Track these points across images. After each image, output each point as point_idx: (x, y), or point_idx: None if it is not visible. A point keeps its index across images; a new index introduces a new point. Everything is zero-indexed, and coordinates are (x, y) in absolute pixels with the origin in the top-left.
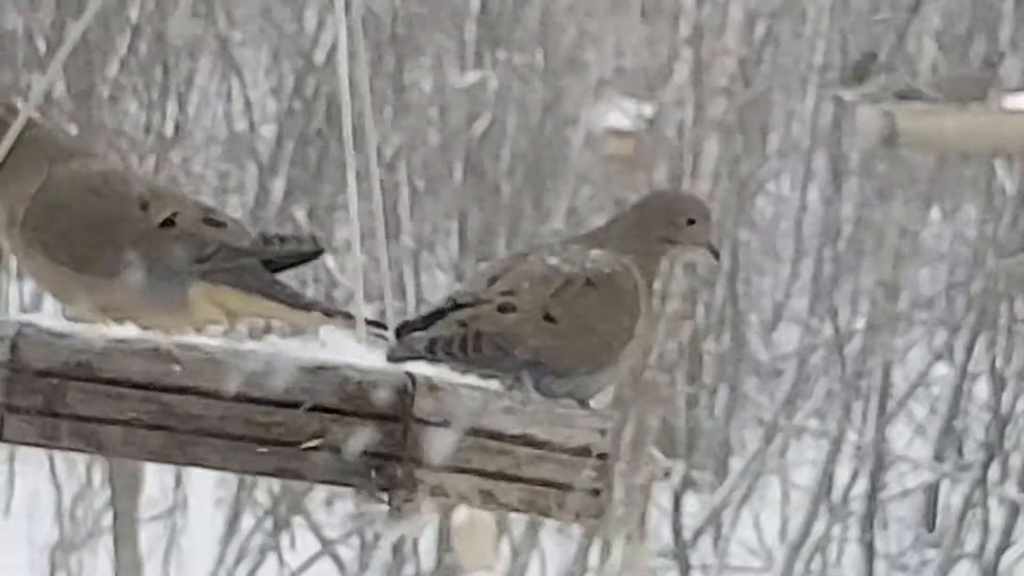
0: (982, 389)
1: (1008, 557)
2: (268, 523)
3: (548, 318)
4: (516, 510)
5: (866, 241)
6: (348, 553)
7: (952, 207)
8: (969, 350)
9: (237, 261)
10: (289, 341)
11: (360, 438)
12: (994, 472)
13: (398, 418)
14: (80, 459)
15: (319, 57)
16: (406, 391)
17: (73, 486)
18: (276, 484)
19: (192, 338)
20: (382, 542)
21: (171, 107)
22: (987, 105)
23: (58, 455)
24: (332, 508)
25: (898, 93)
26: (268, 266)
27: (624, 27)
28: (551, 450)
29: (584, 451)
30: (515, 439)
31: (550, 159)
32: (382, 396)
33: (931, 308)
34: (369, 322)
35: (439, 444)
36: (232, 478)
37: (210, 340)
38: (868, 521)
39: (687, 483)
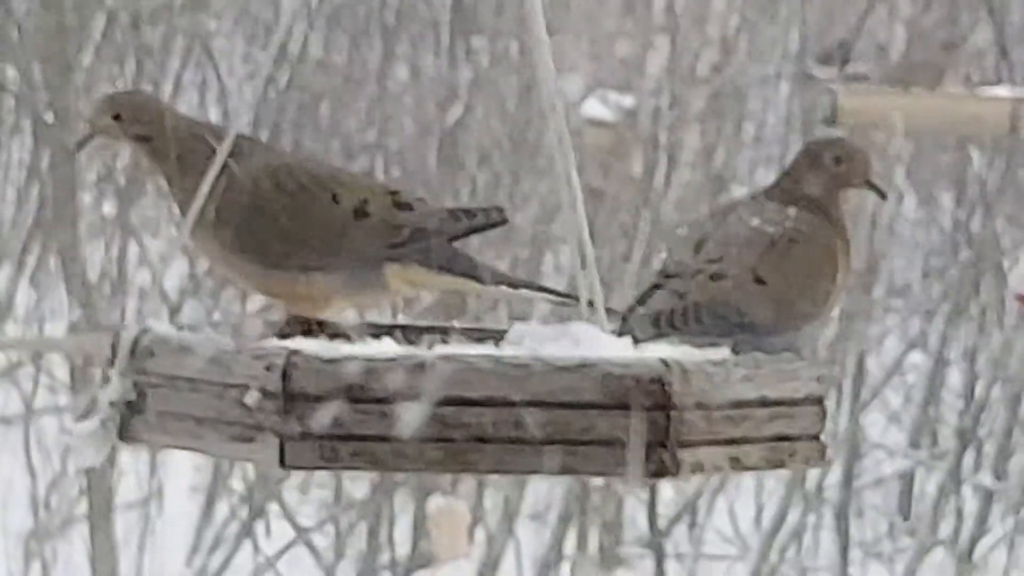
0: (957, 377)
1: (983, 545)
2: (243, 511)
3: (758, 280)
4: (757, 468)
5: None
6: (323, 541)
7: (927, 195)
8: (944, 338)
9: (428, 242)
10: (544, 341)
11: (626, 429)
12: (969, 460)
13: (661, 406)
14: (56, 448)
15: (293, 47)
16: (664, 379)
17: (47, 474)
18: (251, 471)
19: (452, 349)
20: (357, 529)
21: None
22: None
23: (34, 443)
24: (307, 496)
25: (855, 76)
26: (452, 239)
27: (601, 15)
28: (782, 405)
29: (807, 400)
30: (753, 403)
31: (525, 149)
32: (643, 387)
33: (906, 296)
34: (556, 292)
35: (697, 423)
36: (207, 465)
37: (471, 349)
38: (843, 509)
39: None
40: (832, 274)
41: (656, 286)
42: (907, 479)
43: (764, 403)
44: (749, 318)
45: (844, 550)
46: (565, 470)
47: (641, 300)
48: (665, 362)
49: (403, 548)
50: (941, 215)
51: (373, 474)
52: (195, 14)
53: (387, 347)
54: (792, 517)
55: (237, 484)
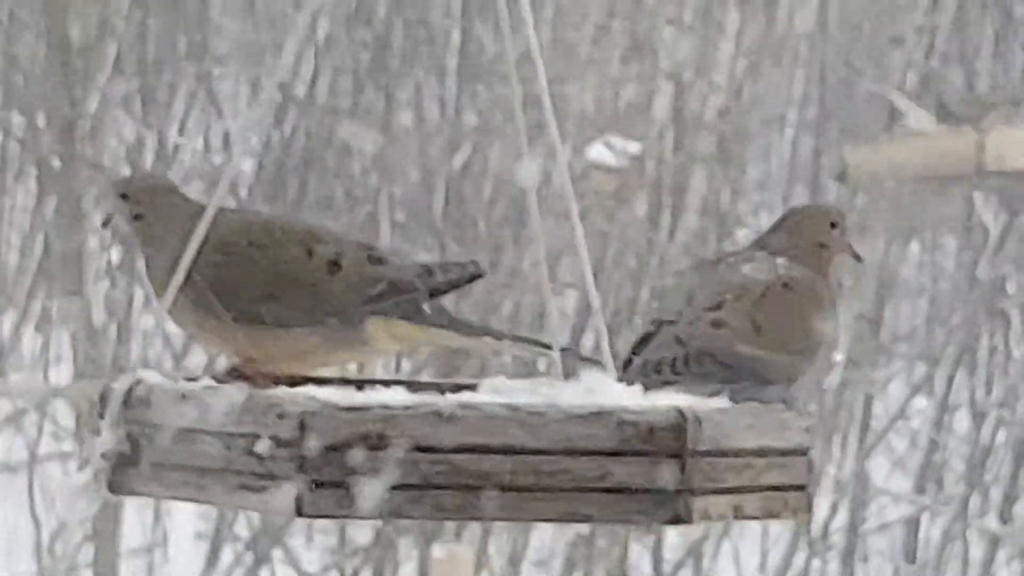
0: (962, 422)
1: None
2: (248, 557)
3: (756, 328)
4: (755, 518)
5: (845, 274)
6: None
7: (932, 241)
8: (949, 383)
9: (405, 295)
10: (557, 389)
11: (641, 477)
12: (974, 505)
13: (677, 454)
14: (60, 495)
15: (299, 90)
16: (680, 427)
17: (52, 521)
18: (256, 518)
19: (469, 396)
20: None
21: (150, 140)
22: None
23: (38, 490)
24: (312, 543)
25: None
26: (431, 294)
27: (606, 62)
28: (776, 455)
29: (797, 450)
30: (754, 452)
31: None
32: (658, 435)
33: (911, 341)
34: (536, 343)
35: (706, 471)
36: (212, 512)
37: (484, 396)
38: (848, 554)
39: None
40: (821, 324)
41: (650, 334)
42: (913, 524)
43: (763, 452)
44: (749, 366)
45: None
46: (582, 518)
47: (636, 349)
48: (680, 410)
49: None
50: (946, 259)
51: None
52: (200, 59)
53: (400, 395)
54: (797, 562)
55: (242, 531)
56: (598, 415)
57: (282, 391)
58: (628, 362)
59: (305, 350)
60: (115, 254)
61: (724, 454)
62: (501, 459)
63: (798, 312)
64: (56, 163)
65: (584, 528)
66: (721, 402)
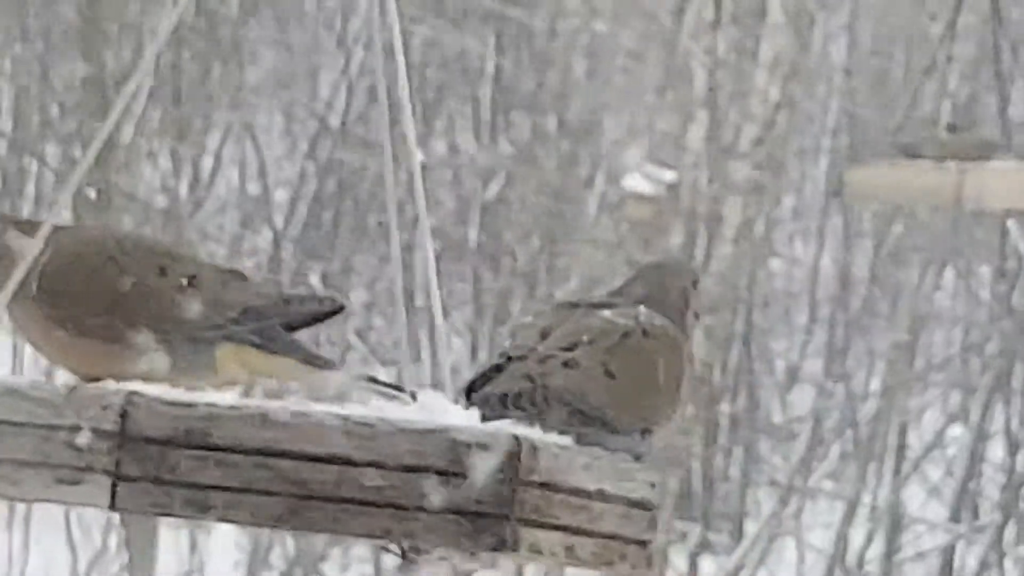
0: (997, 450)
1: None
2: None
3: (608, 373)
4: (588, 565)
5: (881, 303)
6: None
7: (966, 269)
8: (984, 412)
9: (260, 323)
10: (390, 404)
11: (468, 499)
12: (1010, 533)
13: (507, 480)
14: (96, 524)
15: (333, 121)
16: (514, 452)
17: (89, 550)
18: (292, 548)
19: (300, 404)
20: None
21: (186, 171)
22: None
23: (75, 520)
24: (347, 573)
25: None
26: (287, 327)
27: (641, 91)
28: (617, 503)
29: (640, 504)
30: (591, 494)
31: (565, 223)
32: (490, 458)
33: (946, 370)
34: (389, 385)
35: (538, 503)
36: (247, 541)
37: (317, 405)
38: None
39: (703, 545)
40: (679, 379)
41: (497, 367)
42: (948, 553)
43: (602, 497)
44: (597, 412)
45: None
46: (406, 535)
47: (479, 381)
48: (516, 436)
49: None
50: (981, 288)
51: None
52: (234, 90)
53: (231, 396)
54: None
55: (277, 560)
56: (430, 432)
57: (108, 384)
58: (470, 391)
59: (148, 371)
60: None
61: (559, 489)
62: (324, 468)
63: (655, 362)
64: (92, 194)
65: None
66: (562, 439)
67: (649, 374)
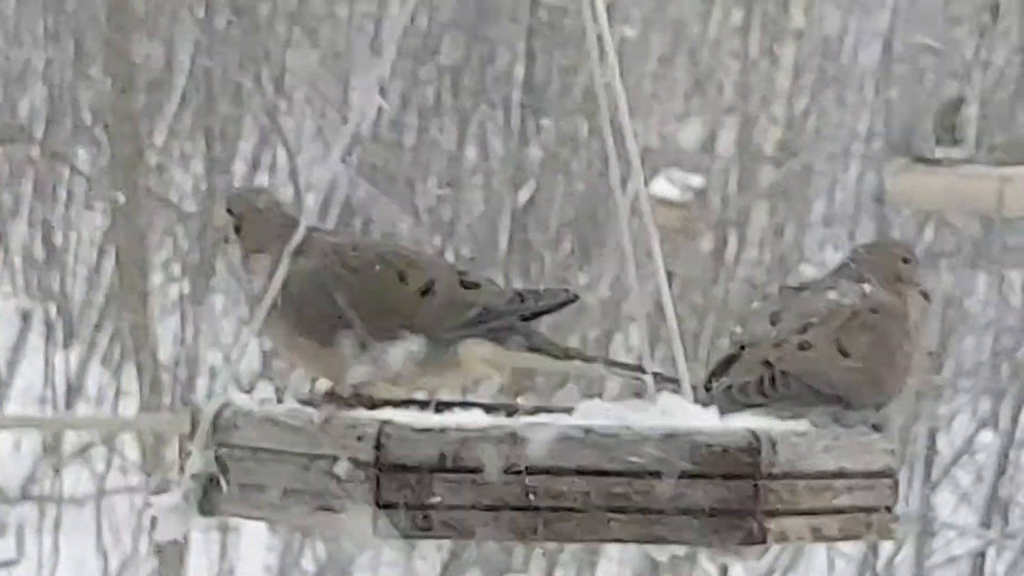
0: None
1: None
2: None
3: (842, 352)
4: (835, 539)
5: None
6: None
7: (998, 274)
8: (1015, 418)
9: (498, 321)
10: (631, 411)
11: (714, 499)
12: None
13: (750, 476)
14: (126, 527)
15: (364, 126)
16: (753, 449)
17: (119, 554)
18: (322, 550)
19: (542, 418)
20: None
21: (217, 176)
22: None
23: (105, 523)
24: (377, 575)
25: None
26: (524, 319)
27: (670, 96)
28: (858, 478)
29: (881, 473)
30: (832, 474)
31: (595, 228)
32: (732, 457)
33: (976, 375)
34: (628, 366)
35: (781, 493)
36: (279, 545)
37: (559, 418)
38: None
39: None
40: (910, 351)
41: (733, 357)
42: (979, 558)
43: (842, 475)
44: (836, 390)
45: None
46: (655, 539)
47: (717, 371)
48: (754, 432)
49: None
50: (1012, 293)
51: (444, 553)
52: (266, 94)
53: (477, 417)
54: None
55: (308, 564)
56: (671, 437)
57: (361, 413)
58: (708, 384)
59: (398, 373)
60: (182, 288)
61: (800, 476)
62: (573, 480)
63: (885, 337)
64: (122, 198)
65: (661, 552)
66: (800, 425)
67: (880, 349)
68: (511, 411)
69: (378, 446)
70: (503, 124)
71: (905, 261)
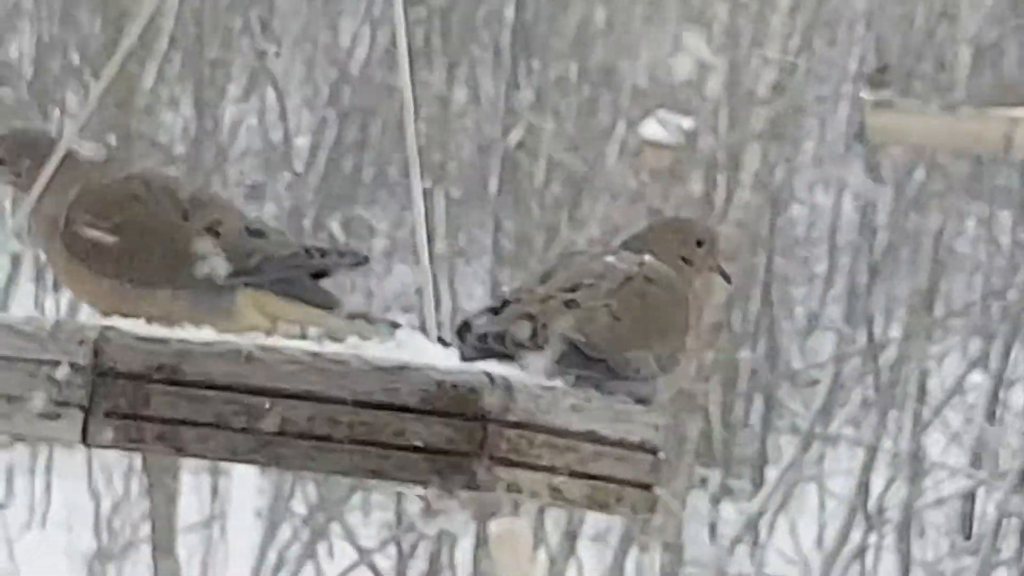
0: (1018, 397)
1: None
2: (305, 533)
3: (613, 316)
4: (579, 505)
5: (901, 249)
6: (385, 562)
7: (987, 215)
8: (1005, 358)
9: (280, 272)
10: (368, 342)
11: (440, 437)
12: None
13: (478, 417)
14: (118, 470)
15: (354, 69)
16: (484, 391)
17: (111, 497)
18: (313, 494)
19: (273, 340)
20: (419, 551)
21: (207, 118)
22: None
23: (96, 466)
24: (369, 518)
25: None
26: (313, 276)
27: (659, 38)
28: (611, 445)
29: (641, 446)
30: (580, 435)
31: (585, 171)
32: (461, 396)
33: (966, 316)
34: (387, 322)
35: (515, 443)
36: (270, 487)
37: (290, 342)
38: (904, 529)
39: (724, 491)
40: (684, 327)
41: (495, 310)
42: (968, 499)
43: (593, 439)
44: (600, 353)
45: (906, 570)
46: (375, 474)
47: (474, 319)
48: (489, 375)
49: (464, 569)
50: (1001, 234)
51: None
52: (254, 38)
53: (207, 333)
54: (854, 537)
55: (299, 507)
56: (403, 369)
57: (91, 319)
58: (462, 330)
59: (168, 312)
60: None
61: (540, 429)
62: (296, 404)
63: (658, 308)
64: (113, 140)
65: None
66: (551, 380)
67: (651, 318)
68: None
69: (96, 351)
70: (493, 67)
71: (699, 244)
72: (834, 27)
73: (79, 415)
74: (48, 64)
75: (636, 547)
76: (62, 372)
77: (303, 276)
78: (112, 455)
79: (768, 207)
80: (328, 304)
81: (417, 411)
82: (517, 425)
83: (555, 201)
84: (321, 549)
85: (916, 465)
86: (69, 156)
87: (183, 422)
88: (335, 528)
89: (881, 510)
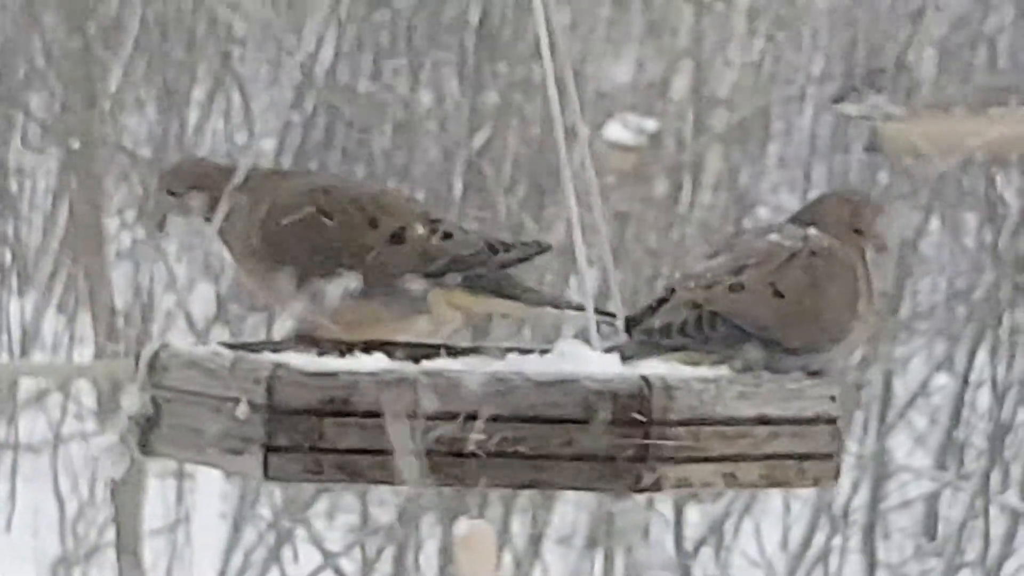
0: (983, 399)
1: (1010, 566)
2: (271, 537)
3: (777, 293)
4: (757, 486)
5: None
6: (350, 566)
7: (952, 215)
8: (970, 360)
9: (466, 271)
10: (528, 356)
11: (605, 445)
12: (995, 481)
13: (640, 422)
14: (83, 474)
15: (318, 71)
16: (643, 395)
17: (75, 501)
18: (278, 497)
19: (435, 364)
20: (384, 554)
21: (172, 121)
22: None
23: (61, 470)
24: (334, 521)
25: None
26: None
27: (624, 40)
28: (786, 424)
29: (817, 419)
30: (751, 421)
31: (549, 173)
32: (620, 404)
33: (931, 318)
34: (600, 312)
35: (680, 441)
36: (235, 491)
37: (451, 363)
38: (869, 531)
39: (689, 494)
40: (854, 298)
41: (662, 300)
42: (933, 501)
43: (764, 421)
44: (767, 333)
45: (871, 572)
46: (547, 485)
47: (642, 314)
48: (645, 378)
49: (430, 572)
50: (966, 236)
51: (400, 498)
52: (220, 39)
53: (373, 362)
54: (818, 539)
55: (264, 510)
56: (562, 383)
57: (265, 356)
58: (630, 325)
59: (364, 318)
60: (135, 234)
61: (704, 423)
62: (465, 425)
63: (825, 280)
64: (76, 144)
65: (598, 504)
66: (714, 371)
67: (818, 292)
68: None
69: (269, 390)
70: (458, 69)
71: (861, 210)
72: (799, 28)
73: (260, 451)
74: (12, 66)
75: (601, 550)
76: (242, 410)
77: (488, 270)
78: (78, 459)
79: (733, 209)
80: (516, 294)
81: (580, 422)
82: (681, 423)
83: (520, 204)
84: (286, 553)
85: (881, 467)
86: (252, 175)
87: (359, 451)
88: (300, 532)
89: (846, 512)
